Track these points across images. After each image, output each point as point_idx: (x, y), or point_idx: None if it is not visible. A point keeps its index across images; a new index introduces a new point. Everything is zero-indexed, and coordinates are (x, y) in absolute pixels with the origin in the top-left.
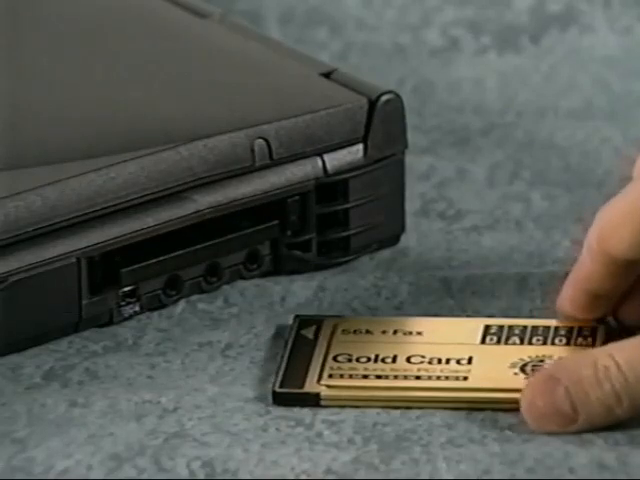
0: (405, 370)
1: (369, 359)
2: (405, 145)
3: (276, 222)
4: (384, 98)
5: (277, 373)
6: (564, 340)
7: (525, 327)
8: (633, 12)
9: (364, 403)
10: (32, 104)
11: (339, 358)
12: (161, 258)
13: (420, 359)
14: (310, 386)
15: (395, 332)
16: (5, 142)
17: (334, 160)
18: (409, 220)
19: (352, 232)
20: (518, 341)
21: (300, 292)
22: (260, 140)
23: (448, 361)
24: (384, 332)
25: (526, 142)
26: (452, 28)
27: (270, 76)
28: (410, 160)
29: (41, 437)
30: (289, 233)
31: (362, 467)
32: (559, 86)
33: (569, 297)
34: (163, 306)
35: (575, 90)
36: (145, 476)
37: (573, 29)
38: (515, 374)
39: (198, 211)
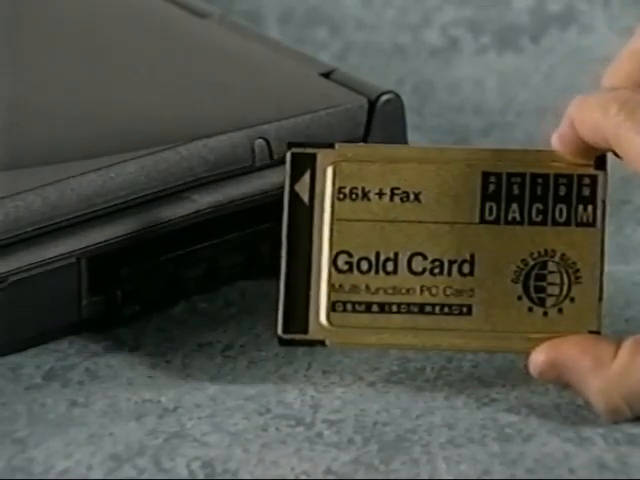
0: (408, 291)
1: (370, 265)
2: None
3: (276, 222)
4: (384, 98)
5: (278, 287)
6: (564, 213)
7: (524, 177)
8: (633, 12)
9: (369, 346)
10: (32, 104)
11: (339, 262)
12: (161, 258)
13: (422, 264)
14: (314, 328)
15: (392, 196)
16: (5, 142)
17: None
18: None
19: None
20: (518, 214)
21: None
22: (260, 140)
23: (450, 270)
24: (381, 194)
25: (526, 142)
26: (452, 28)
27: (270, 76)
28: None
29: (41, 437)
30: None
31: (362, 467)
32: (559, 86)
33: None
34: (163, 306)
35: (575, 90)
36: (145, 476)
37: (573, 29)
38: (519, 298)
39: (198, 211)
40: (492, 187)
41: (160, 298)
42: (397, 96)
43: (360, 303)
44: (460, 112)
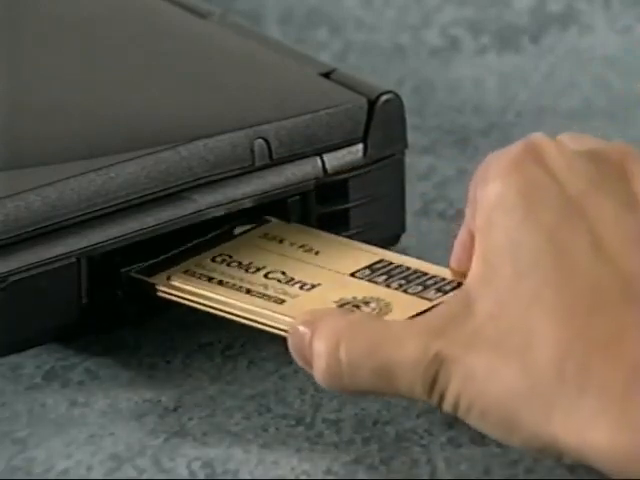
0: (249, 282)
1: (239, 265)
2: (405, 145)
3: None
4: (384, 98)
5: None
6: (419, 288)
7: (409, 269)
8: (633, 12)
9: (188, 303)
10: (32, 104)
11: (217, 258)
12: (161, 258)
13: (278, 276)
14: (157, 277)
15: (300, 246)
16: (5, 142)
17: (334, 160)
18: (409, 220)
19: (352, 232)
20: (382, 280)
21: None
22: (260, 140)
23: (295, 283)
24: (292, 244)
25: None
26: (452, 28)
27: (270, 76)
28: (410, 160)
29: (41, 437)
30: None
31: (362, 467)
32: (559, 86)
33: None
34: (163, 306)
35: (575, 90)
36: (145, 476)
37: (573, 29)
38: None
39: (198, 211)
40: (377, 266)
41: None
42: (397, 96)
43: (205, 276)
44: (460, 112)
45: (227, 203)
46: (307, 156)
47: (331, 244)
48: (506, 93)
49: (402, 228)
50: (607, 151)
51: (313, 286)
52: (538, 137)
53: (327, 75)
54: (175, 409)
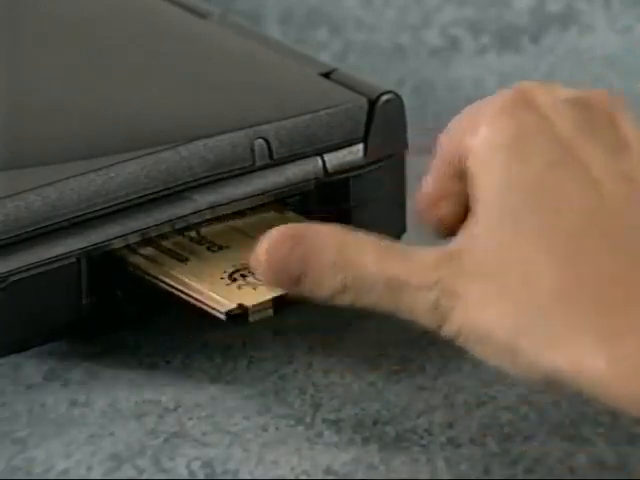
0: (164, 238)
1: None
2: (405, 145)
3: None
4: (384, 98)
5: None
6: None
7: None
8: (633, 12)
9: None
10: (32, 104)
11: (192, 234)
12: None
13: (192, 234)
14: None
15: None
16: (5, 142)
17: (334, 160)
18: (409, 220)
19: None
20: None
21: None
22: (260, 140)
23: (205, 243)
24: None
25: None
26: (452, 28)
27: (270, 76)
28: (410, 160)
29: (41, 437)
30: None
31: (362, 467)
32: None
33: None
34: (163, 306)
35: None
36: (145, 476)
37: (573, 29)
38: (221, 278)
39: (198, 211)
40: None
41: (160, 298)
42: (397, 96)
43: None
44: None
45: (227, 203)
46: (307, 156)
47: (263, 210)
48: None
49: (402, 228)
50: (593, 98)
51: (220, 248)
52: (528, 83)
53: (327, 75)
54: (175, 409)
